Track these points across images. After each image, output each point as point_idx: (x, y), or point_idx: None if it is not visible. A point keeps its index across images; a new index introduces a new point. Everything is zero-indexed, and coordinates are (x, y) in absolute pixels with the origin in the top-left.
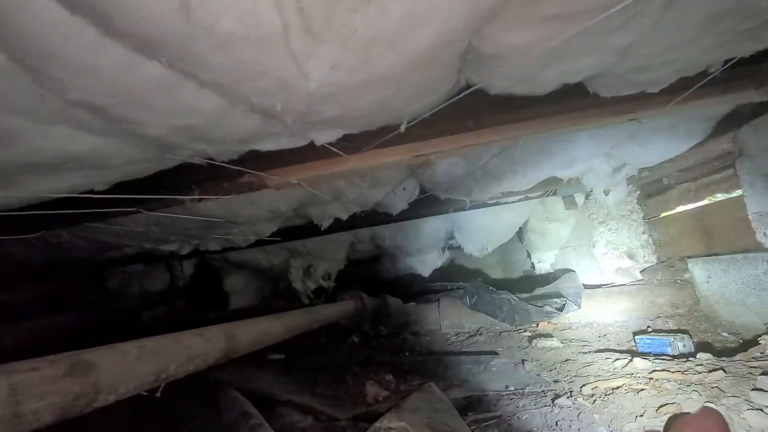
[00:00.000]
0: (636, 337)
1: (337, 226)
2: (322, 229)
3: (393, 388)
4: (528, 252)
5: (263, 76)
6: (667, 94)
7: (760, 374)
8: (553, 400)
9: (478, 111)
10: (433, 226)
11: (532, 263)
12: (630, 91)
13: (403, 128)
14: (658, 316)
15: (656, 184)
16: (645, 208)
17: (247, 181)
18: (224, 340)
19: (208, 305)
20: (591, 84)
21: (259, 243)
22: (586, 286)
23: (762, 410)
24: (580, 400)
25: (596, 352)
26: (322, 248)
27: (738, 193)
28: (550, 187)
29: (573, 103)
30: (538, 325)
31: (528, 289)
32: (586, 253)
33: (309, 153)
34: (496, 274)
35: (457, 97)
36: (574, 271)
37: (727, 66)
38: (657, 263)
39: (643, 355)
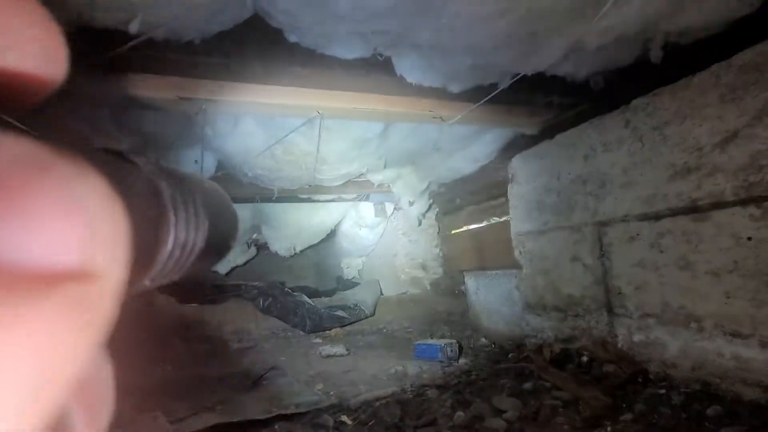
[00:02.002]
0: (415, 343)
1: None
2: None
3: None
4: (339, 257)
5: None
6: (465, 100)
7: (497, 376)
8: (312, 419)
9: (270, 55)
10: (239, 216)
11: (342, 268)
12: (434, 82)
13: (134, 27)
14: (436, 321)
15: (451, 203)
16: (440, 224)
17: None
18: None
19: None
20: (397, 63)
21: None
22: (383, 294)
23: (501, 416)
24: (344, 417)
25: (379, 359)
26: None
27: (507, 217)
28: (362, 190)
29: (382, 82)
30: (331, 330)
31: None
32: (389, 262)
33: None
34: (310, 278)
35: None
36: (377, 279)
37: (513, 82)
38: (442, 275)
39: (418, 360)
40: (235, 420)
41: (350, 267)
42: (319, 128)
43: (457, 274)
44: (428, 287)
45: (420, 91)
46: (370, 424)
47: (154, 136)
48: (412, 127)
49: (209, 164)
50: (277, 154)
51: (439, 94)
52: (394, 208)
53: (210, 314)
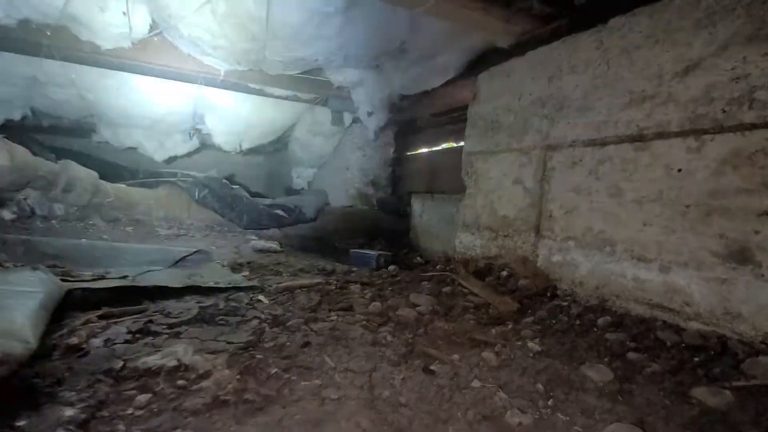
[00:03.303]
0: (351, 250)
1: None
2: None
3: None
4: (290, 166)
5: None
6: None
7: (421, 281)
8: (228, 295)
9: None
10: (178, 98)
11: (292, 178)
12: None
13: None
14: (377, 237)
15: (411, 124)
16: (398, 144)
17: None
18: None
19: None
20: None
21: None
22: (330, 204)
23: (414, 309)
24: (261, 297)
25: (312, 259)
26: None
27: (462, 144)
28: (321, 91)
29: None
30: (269, 230)
31: None
32: (341, 175)
33: None
34: (260, 187)
35: None
36: (324, 190)
37: None
38: (391, 194)
39: (353, 264)
40: (142, 285)
41: (300, 177)
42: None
43: (406, 196)
44: (375, 204)
45: None
46: (287, 304)
47: None
48: (379, 16)
49: (141, 19)
50: (219, 11)
51: None
52: (353, 121)
53: (140, 197)
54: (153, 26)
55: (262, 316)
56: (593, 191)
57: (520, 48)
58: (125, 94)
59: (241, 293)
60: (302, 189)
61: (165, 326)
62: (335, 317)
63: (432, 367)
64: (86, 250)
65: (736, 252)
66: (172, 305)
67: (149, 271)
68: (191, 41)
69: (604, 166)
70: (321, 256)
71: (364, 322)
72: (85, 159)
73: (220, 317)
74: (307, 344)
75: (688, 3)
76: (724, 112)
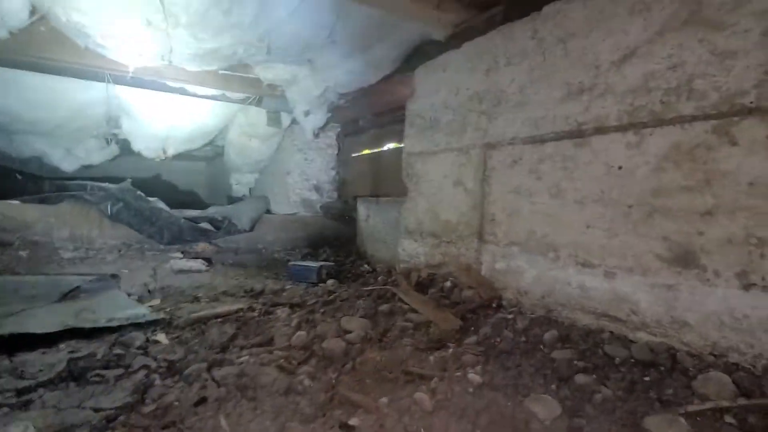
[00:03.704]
0: (290, 263)
1: None
2: None
3: None
4: (228, 172)
5: None
6: None
7: (358, 298)
8: (119, 337)
9: None
10: (85, 99)
11: (230, 185)
12: None
13: None
14: (322, 246)
15: (354, 124)
16: (342, 146)
17: None
18: None
19: None
20: None
21: None
22: (271, 213)
23: (344, 337)
24: (160, 335)
25: (242, 277)
26: None
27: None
28: (252, 90)
29: None
30: (197, 245)
31: None
32: (281, 181)
33: None
34: (202, 194)
35: None
36: (265, 197)
37: None
38: (336, 199)
39: (286, 281)
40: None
41: (240, 183)
42: None
43: (351, 200)
44: (319, 210)
45: None
46: (191, 343)
47: None
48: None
49: (16, 2)
50: None
51: None
52: (292, 122)
53: (37, 215)
54: (34, 12)
55: (154, 365)
56: (534, 192)
57: (456, 40)
58: (17, 95)
59: (138, 332)
60: (243, 196)
61: (11, 393)
62: (247, 357)
63: (352, 422)
64: None
65: (680, 255)
66: (34, 359)
67: (23, 310)
68: (76, 29)
69: (545, 164)
70: (256, 272)
71: (281, 361)
72: None
73: (96, 372)
74: (202, 401)
75: None
76: (662, 103)
